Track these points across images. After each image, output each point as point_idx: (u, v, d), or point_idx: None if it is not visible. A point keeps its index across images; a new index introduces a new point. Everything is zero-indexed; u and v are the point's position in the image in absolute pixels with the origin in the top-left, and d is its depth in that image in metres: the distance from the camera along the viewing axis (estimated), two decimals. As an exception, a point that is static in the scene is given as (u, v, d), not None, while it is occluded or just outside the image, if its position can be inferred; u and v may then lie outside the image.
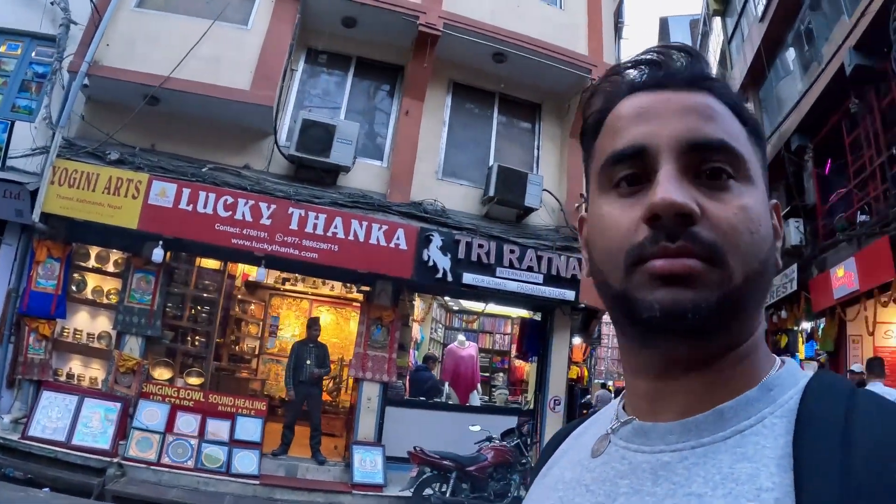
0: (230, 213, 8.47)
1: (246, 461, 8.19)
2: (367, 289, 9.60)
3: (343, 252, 8.68)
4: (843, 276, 9.54)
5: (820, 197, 11.12)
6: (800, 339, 11.92)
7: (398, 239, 8.88)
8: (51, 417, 7.90)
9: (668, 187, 0.59)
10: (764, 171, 0.68)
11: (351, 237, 8.72)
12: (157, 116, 8.89)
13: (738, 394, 0.62)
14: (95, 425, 7.98)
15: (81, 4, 9.18)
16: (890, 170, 9.00)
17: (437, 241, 8.96)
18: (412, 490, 7.58)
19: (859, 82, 9.35)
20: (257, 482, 8.02)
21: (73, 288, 8.87)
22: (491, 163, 10.09)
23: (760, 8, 12.34)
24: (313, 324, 9.14)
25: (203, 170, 8.82)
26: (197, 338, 9.67)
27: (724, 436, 0.60)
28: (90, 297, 9.01)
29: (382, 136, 10.13)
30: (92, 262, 9.07)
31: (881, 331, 9.39)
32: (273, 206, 8.60)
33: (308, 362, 8.73)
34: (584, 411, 13.67)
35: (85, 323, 9.00)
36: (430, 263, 8.89)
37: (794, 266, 10.92)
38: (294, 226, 8.60)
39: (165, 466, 7.87)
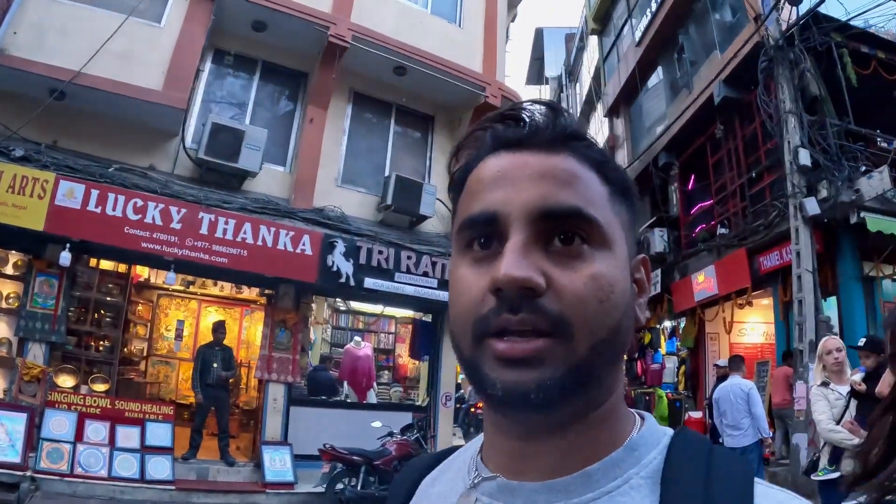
0: (140, 216, 8.27)
1: (159, 467, 8.12)
2: (270, 292, 9.72)
3: (252, 257, 8.75)
4: (704, 282, 10.87)
5: (683, 209, 12.47)
6: (662, 337, 13.35)
7: (304, 245, 9.09)
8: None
9: (511, 260, 0.59)
10: (629, 228, 0.68)
11: (259, 242, 8.81)
12: (61, 111, 8.41)
13: (604, 455, 0.63)
14: (1, 438, 7.60)
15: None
16: (749, 190, 10.34)
17: (340, 247, 9.28)
18: (325, 486, 7.92)
19: (726, 111, 10.61)
20: (173, 487, 7.99)
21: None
22: (387, 171, 10.48)
23: (638, 33, 13.45)
24: (219, 327, 9.16)
25: (109, 170, 8.52)
26: (101, 343, 9.35)
27: (592, 497, 0.61)
28: (-17, 302, 8.48)
29: (285, 141, 10.19)
30: (-15, 266, 8.53)
31: (736, 329, 10.83)
32: (183, 211, 8.50)
33: (215, 365, 8.78)
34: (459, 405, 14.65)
35: (-25, 329, 8.47)
36: (335, 269, 9.20)
37: (658, 271, 12.19)
38: (204, 230, 8.55)
39: (79, 477, 7.57)
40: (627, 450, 0.63)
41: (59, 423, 7.95)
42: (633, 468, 0.62)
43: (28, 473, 7.38)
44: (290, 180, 9.81)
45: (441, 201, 10.42)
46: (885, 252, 9.02)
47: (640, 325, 0.67)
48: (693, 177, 12.37)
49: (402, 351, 13.16)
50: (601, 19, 16.55)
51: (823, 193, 9.14)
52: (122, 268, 9.70)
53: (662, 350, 12.93)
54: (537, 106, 0.69)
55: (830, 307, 9.41)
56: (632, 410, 0.70)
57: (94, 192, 8.15)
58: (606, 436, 0.64)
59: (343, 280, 9.23)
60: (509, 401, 0.60)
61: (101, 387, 8.79)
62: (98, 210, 8.13)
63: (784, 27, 9.62)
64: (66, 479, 7.53)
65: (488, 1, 11.68)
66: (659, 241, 11.94)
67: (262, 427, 9.15)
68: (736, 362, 7.63)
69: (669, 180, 12.52)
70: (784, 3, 9.41)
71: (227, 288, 11.40)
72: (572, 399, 0.61)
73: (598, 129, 19.04)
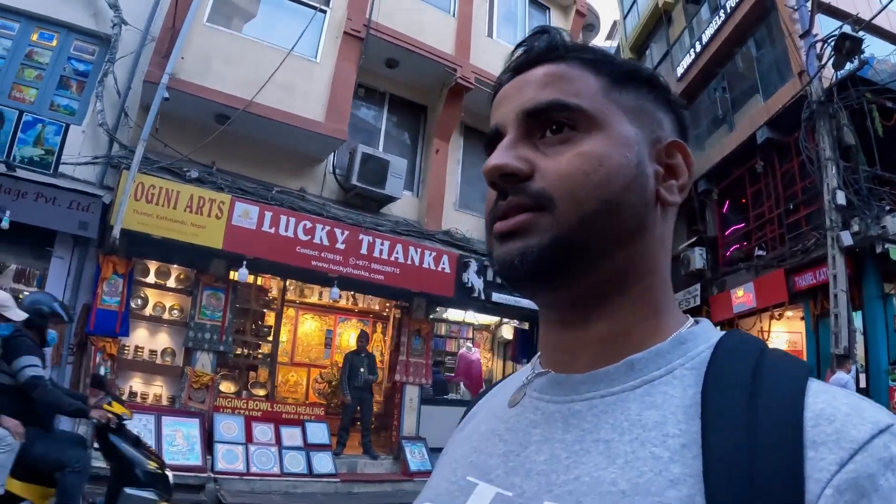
0: (309, 236, 9.09)
1: (323, 462, 9.00)
2: (405, 304, 10.72)
3: (402, 274, 9.75)
4: (743, 296, 12.62)
5: (720, 231, 14.22)
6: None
7: (444, 263, 10.16)
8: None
9: (495, 155, 0.66)
10: (639, 112, 0.69)
11: (409, 261, 9.82)
12: (220, 135, 8.97)
13: (649, 346, 0.64)
14: (181, 443, 8.17)
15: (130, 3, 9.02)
16: (786, 219, 12.15)
17: (473, 265, 10.44)
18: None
19: (765, 149, 12.34)
20: (338, 480, 8.92)
21: (135, 304, 8.83)
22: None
23: (680, 70, 15.02)
24: (362, 336, 10.07)
25: (272, 192, 9.25)
26: (258, 351, 10.01)
27: (634, 385, 0.62)
28: (152, 313, 9.02)
29: (412, 168, 11.15)
30: (152, 278, 9.06)
31: (765, 338, 12.67)
32: (346, 232, 9.39)
33: (362, 370, 9.69)
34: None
35: (145, 339, 9.04)
36: (469, 284, 10.32)
37: (698, 285, 13.89)
38: (364, 250, 9.47)
39: (255, 475, 8.40)
40: (674, 342, 0.65)
41: (228, 427, 8.69)
42: (679, 360, 0.63)
43: (209, 475, 8.07)
44: (419, 205, 10.83)
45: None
46: (904, 276, 11.01)
47: (667, 203, 0.69)
48: (728, 202, 14.12)
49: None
50: (637, 49, 18.05)
51: (855, 228, 10.96)
52: (259, 281, 10.36)
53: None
54: (533, 36, 0.73)
55: (857, 319, 11.32)
56: (689, 316, 0.71)
57: (268, 214, 8.89)
58: (649, 327, 0.66)
59: (476, 294, 10.35)
60: (502, 271, 0.66)
61: (260, 391, 9.51)
62: (272, 230, 8.89)
63: (826, 84, 11.39)
64: (244, 477, 8.30)
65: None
66: (699, 258, 13.59)
67: (399, 424, 10.17)
68: (840, 361, 9.27)
69: (708, 205, 14.23)
70: (828, 65, 11.18)
71: (325, 296, 12.11)
72: (566, 268, 0.63)
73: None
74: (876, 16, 10.77)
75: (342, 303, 11.77)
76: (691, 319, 0.70)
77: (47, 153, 8.32)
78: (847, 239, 10.84)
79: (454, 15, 11.21)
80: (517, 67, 0.72)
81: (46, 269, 8.56)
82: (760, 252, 12.58)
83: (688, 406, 0.58)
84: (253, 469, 8.47)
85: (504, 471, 0.64)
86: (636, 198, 0.65)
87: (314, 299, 12.08)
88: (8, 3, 8.67)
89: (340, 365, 10.58)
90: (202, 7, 8.89)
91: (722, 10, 13.35)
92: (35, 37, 8.95)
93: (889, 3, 10.67)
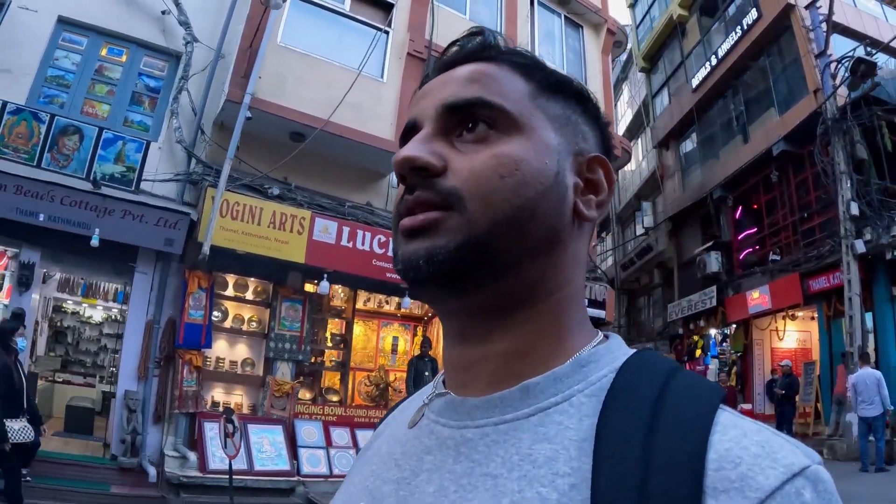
0: (384, 250, 9.46)
1: (396, 464, 9.39)
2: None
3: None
4: (759, 298, 13.49)
5: (734, 236, 15.07)
6: (714, 342, 16.06)
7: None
8: (222, 448, 8.20)
9: (407, 147, 0.62)
10: (565, 123, 0.66)
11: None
12: (290, 151, 9.11)
13: (549, 369, 0.60)
14: (268, 449, 8.44)
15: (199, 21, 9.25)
16: (800, 226, 13.01)
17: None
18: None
19: (780, 160, 13.17)
20: (409, 478, 9.31)
21: (215, 317, 9.07)
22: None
23: (695, 81, 15.77)
24: (426, 342, 10.46)
25: (345, 207, 9.59)
26: (331, 360, 10.36)
27: (528, 413, 0.58)
28: (232, 325, 9.28)
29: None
30: (231, 291, 9.32)
31: (776, 336, 13.59)
32: (413, 245, 9.75)
33: (426, 374, 10.10)
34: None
35: (225, 350, 9.28)
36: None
37: (713, 287, 14.74)
38: (428, 261, 9.86)
39: (338, 477, 8.60)
40: (575, 365, 0.60)
41: (308, 432, 9.03)
42: (579, 385, 0.58)
43: (297, 479, 8.40)
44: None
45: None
46: (912, 280, 12.00)
47: (584, 218, 0.65)
48: (741, 208, 14.96)
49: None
50: (651, 59, 18.76)
51: (867, 236, 11.87)
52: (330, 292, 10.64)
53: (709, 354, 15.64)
54: (467, 35, 0.71)
55: (868, 320, 12.26)
56: (600, 330, 0.67)
57: (346, 229, 9.24)
58: (550, 346, 0.62)
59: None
60: (405, 272, 0.61)
61: (334, 397, 9.89)
62: (349, 245, 9.24)
63: (840, 102, 12.24)
64: (329, 479, 8.54)
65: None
66: (714, 262, 14.42)
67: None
68: (865, 357, 10.14)
69: (723, 211, 15.06)
70: (843, 85, 12.02)
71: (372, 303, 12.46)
72: (472, 274, 0.60)
73: (645, 156, 21.20)
74: (892, 41, 11.61)
75: (385, 308, 12.14)
76: (600, 336, 0.66)
77: (128, 170, 8.43)
78: (860, 247, 11.73)
79: (503, 35, 11.54)
80: (445, 65, 0.69)
81: (126, 285, 8.79)
82: (775, 257, 13.44)
83: (582, 440, 0.54)
84: (335, 471, 8.76)
85: (395, 500, 0.61)
86: (552, 207, 0.62)
87: (359, 305, 12.45)
88: (76, 17, 8.82)
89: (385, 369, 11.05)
90: (276, 27, 9.10)
91: (739, 27, 14.11)
92: (104, 52, 9.08)
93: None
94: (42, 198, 7.88)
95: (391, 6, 10.28)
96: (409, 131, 0.67)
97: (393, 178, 10.20)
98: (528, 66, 0.67)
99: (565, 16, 13.24)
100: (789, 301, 12.88)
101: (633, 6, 20.70)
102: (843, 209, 12.11)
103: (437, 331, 11.88)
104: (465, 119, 0.63)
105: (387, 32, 10.10)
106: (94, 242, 7.89)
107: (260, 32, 8.86)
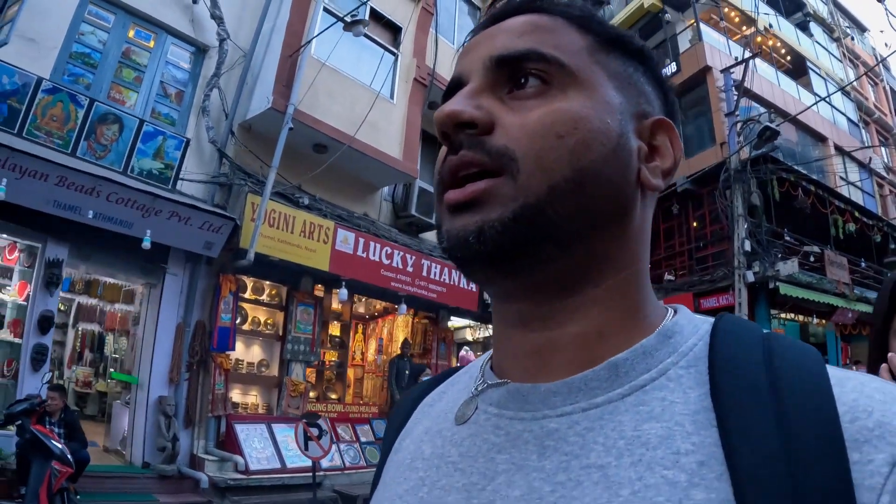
0: (390, 261, 10.25)
1: (390, 454, 10.24)
2: (433, 315, 12.13)
3: (448, 293, 11.22)
4: (657, 312, 15.66)
5: None
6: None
7: (472, 285, 11.64)
8: (257, 448, 8.56)
9: (450, 102, 0.56)
10: (625, 82, 0.60)
11: (453, 282, 11.29)
12: (310, 161, 9.54)
13: (631, 344, 0.54)
14: (293, 447, 8.64)
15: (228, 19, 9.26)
16: (696, 253, 15.34)
17: (495, 283, 12.18)
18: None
19: (683, 196, 15.39)
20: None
21: (239, 320, 9.27)
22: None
23: None
24: (406, 344, 11.29)
25: (352, 217, 10.20)
26: (331, 359, 10.81)
27: (622, 393, 0.52)
28: (250, 327, 9.57)
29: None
30: (249, 294, 9.59)
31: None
32: (414, 257, 10.64)
33: (407, 372, 10.98)
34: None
35: (242, 352, 9.51)
36: (488, 301, 11.98)
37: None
38: (425, 273, 10.79)
39: (350, 469, 9.42)
40: (661, 337, 0.55)
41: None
42: (670, 357, 0.53)
43: (321, 473, 8.81)
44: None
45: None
46: (787, 305, 14.65)
47: (650, 187, 0.58)
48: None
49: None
50: None
51: (756, 268, 14.37)
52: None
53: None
54: None
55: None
56: (667, 306, 0.62)
57: (361, 241, 9.91)
58: (628, 324, 0.56)
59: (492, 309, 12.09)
60: (453, 251, 0.55)
61: (333, 395, 10.48)
62: (364, 255, 9.92)
63: (742, 156, 14.61)
64: (345, 472, 9.34)
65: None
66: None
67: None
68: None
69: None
70: (747, 145, 14.39)
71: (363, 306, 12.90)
72: (530, 249, 0.53)
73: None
74: (799, 114, 14.08)
75: (375, 310, 12.75)
76: (670, 309, 0.61)
77: (166, 167, 8.31)
78: (750, 277, 14.18)
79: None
80: (494, 17, 0.62)
81: (155, 286, 8.64)
82: (670, 277, 15.69)
83: (695, 413, 0.49)
84: (348, 464, 9.49)
85: None
86: (616, 172, 0.55)
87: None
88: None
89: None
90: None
91: (674, 62, 16.19)
92: (132, 33, 8.71)
93: (810, 106, 14.05)
94: (90, 193, 7.37)
95: (399, 29, 10.82)
96: (453, 88, 0.60)
97: (385, 190, 10.97)
98: (585, 19, 0.60)
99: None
100: (683, 318, 15.17)
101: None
102: (738, 245, 14.49)
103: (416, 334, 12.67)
104: (516, 74, 0.57)
105: (395, 55, 10.67)
106: (146, 245, 7.71)
107: (297, 41, 9.21)
